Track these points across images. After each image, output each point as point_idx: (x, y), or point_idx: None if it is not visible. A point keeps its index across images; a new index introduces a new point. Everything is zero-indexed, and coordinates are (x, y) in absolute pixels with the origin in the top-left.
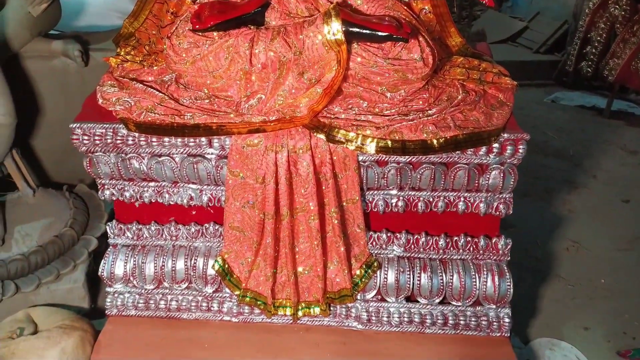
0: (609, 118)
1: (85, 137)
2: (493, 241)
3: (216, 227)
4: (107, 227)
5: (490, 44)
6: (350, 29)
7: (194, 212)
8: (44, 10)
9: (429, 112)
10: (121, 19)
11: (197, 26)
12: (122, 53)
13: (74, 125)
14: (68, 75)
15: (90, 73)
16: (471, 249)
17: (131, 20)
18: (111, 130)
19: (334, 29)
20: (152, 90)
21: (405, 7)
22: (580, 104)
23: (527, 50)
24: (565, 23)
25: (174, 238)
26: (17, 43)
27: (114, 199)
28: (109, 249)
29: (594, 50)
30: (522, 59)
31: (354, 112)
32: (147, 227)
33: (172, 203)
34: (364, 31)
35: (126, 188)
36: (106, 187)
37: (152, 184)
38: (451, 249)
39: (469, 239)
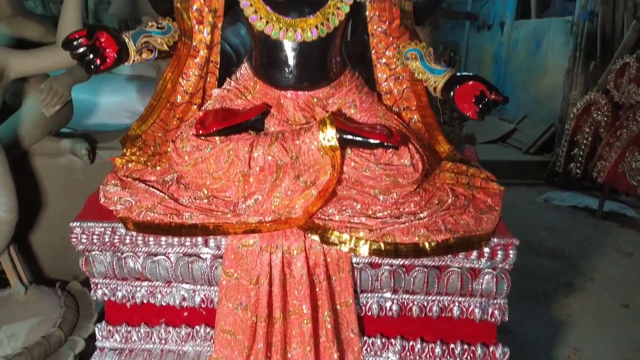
0: (602, 219)
1: (84, 236)
2: (490, 350)
3: (207, 330)
4: (96, 329)
5: (481, 144)
6: (344, 136)
7: (185, 314)
8: (57, 111)
9: (421, 215)
10: (130, 118)
11: (200, 131)
12: (127, 153)
13: (73, 225)
14: (73, 173)
15: (95, 170)
16: (468, 358)
17: (139, 123)
18: (110, 229)
19: (329, 135)
20: (153, 189)
21: (396, 117)
22: (573, 204)
23: (517, 150)
24: (552, 126)
25: (163, 342)
26: (28, 141)
27: (106, 299)
28: (95, 352)
29: (581, 153)
30: (513, 159)
31: (347, 213)
32: (137, 329)
33: (164, 304)
34: (357, 138)
35: (119, 288)
36: (99, 286)
37: (145, 283)
38: (448, 357)
39: (466, 346)
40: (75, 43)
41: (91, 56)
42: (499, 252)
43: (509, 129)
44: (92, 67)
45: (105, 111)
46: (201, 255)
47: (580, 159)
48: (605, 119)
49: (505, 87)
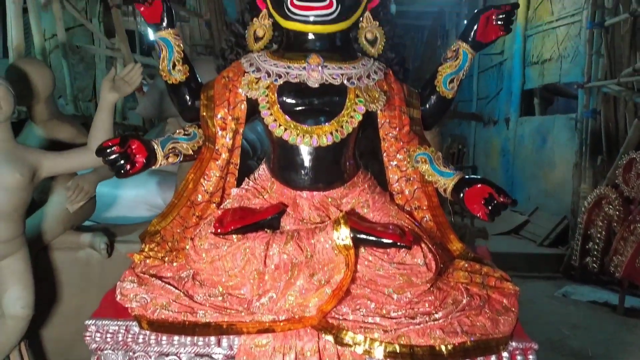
0: (624, 315)
1: (98, 335)
2: None
3: None
4: None
5: (493, 235)
6: (358, 236)
7: None
8: (80, 206)
9: (436, 315)
10: (149, 210)
11: (219, 230)
12: (145, 249)
13: (89, 322)
14: (90, 267)
15: (112, 264)
16: None
17: (159, 220)
18: (124, 327)
19: (343, 235)
20: (169, 287)
21: (408, 216)
22: (592, 299)
23: (531, 243)
24: (564, 219)
25: None
26: (50, 236)
27: None
28: None
29: (596, 247)
30: (528, 251)
31: (361, 313)
32: None
33: None
34: (371, 238)
35: None
36: None
37: None
38: None
39: None
40: (108, 150)
41: (122, 162)
42: (518, 357)
43: (521, 220)
44: (122, 171)
45: (125, 204)
46: (213, 356)
47: (595, 253)
48: (618, 212)
49: (515, 179)
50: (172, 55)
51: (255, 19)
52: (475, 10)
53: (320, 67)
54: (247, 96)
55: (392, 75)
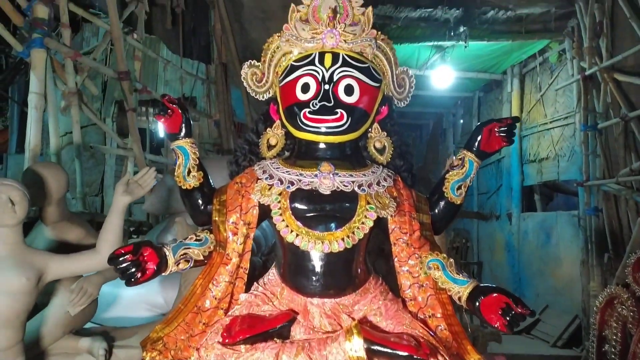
0: None
1: None
2: None
3: None
4: None
5: (504, 335)
6: (372, 347)
7: None
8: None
9: None
10: (150, 310)
11: (226, 340)
12: (147, 358)
13: None
14: None
15: None
16: None
17: (163, 326)
18: None
19: (356, 346)
20: None
21: (422, 325)
22: None
23: (544, 343)
24: (576, 317)
25: None
26: (48, 341)
27: None
28: None
29: (613, 350)
30: (541, 352)
31: None
32: None
33: None
34: (385, 349)
35: None
36: None
37: None
38: None
39: None
40: (121, 259)
41: (133, 270)
42: None
43: (532, 319)
44: (132, 280)
45: (125, 304)
46: None
47: (613, 356)
48: (632, 313)
49: (522, 275)
50: (187, 163)
51: (269, 129)
52: (479, 123)
53: (331, 175)
54: (259, 202)
55: (400, 181)
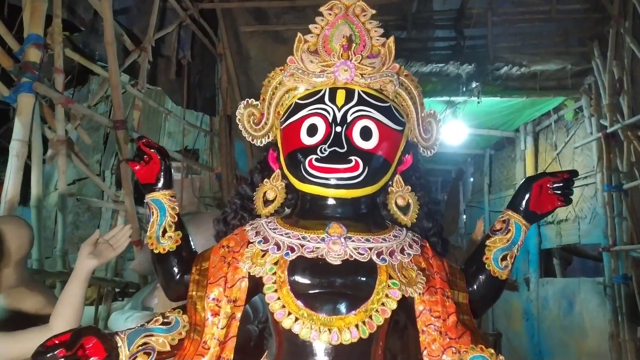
0: None
1: None
2: None
3: None
4: None
5: None
6: None
7: None
8: None
9: None
10: None
11: None
12: None
13: None
14: None
15: None
16: None
17: None
18: None
19: None
20: None
21: None
22: None
23: None
24: None
25: None
26: None
27: None
28: None
29: None
30: None
31: None
32: None
33: None
34: None
35: None
36: None
37: None
38: None
39: None
40: (49, 355)
41: None
42: None
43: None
44: None
45: None
46: None
47: None
48: None
49: (542, 347)
50: (163, 220)
51: (266, 180)
52: (526, 177)
53: (343, 239)
54: (249, 272)
55: (429, 248)
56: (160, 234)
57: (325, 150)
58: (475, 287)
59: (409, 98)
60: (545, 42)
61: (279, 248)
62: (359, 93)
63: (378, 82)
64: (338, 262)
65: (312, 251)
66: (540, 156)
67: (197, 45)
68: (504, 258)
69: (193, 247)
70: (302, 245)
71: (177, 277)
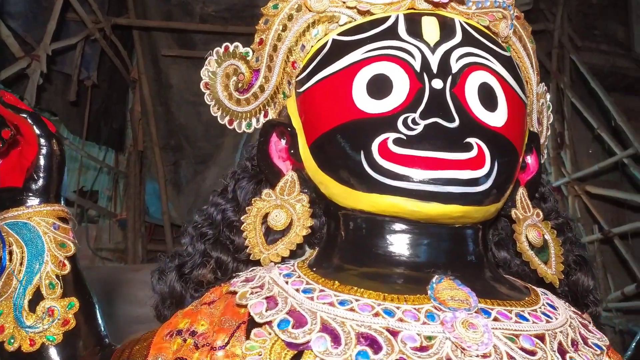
0: None
1: None
2: None
3: None
4: None
5: None
6: None
7: None
8: None
9: None
10: None
11: None
12: None
13: None
14: None
15: None
16: None
17: None
18: None
19: None
20: None
21: None
22: None
23: None
24: None
25: None
26: None
27: None
28: None
29: None
30: None
31: None
32: None
33: None
34: None
35: None
36: None
37: None
38: None
39: None
40: None
41: None
42: None
43: None
44: None
45: None
46: None
47: None
48: None
49: None
50: (36, 273)
51: (266, 192)
52: None
53: (479, 315)
54: None
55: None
56: (26, 304)
57: (417, 121)
58: None
59: (525, 56)
60: None
61: (335, 339)
62: (462, 25)
63: (486, 15)
64: None
65: (421, 347)
66: None
67: (106, 67)
68: None
69: (104, 331)
70: (393, 332)
71: None
